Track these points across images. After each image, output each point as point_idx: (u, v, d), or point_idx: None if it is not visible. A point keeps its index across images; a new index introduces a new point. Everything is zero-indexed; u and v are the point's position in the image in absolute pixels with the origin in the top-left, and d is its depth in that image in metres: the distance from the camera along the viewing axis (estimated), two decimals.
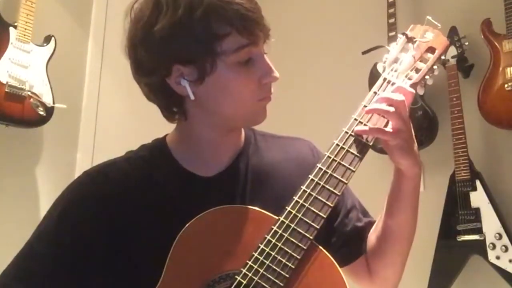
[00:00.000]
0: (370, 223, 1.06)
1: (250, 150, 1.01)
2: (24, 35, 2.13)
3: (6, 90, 2.05)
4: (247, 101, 0.91)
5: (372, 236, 1.05)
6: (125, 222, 0.90)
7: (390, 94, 0.91)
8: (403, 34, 1.02)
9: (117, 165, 0.97)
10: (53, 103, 2.19)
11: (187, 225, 0.85)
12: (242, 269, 0.82)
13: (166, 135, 1.02)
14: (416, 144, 0.94)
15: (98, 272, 0.89)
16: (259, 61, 0.90)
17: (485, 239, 2.03)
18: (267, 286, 0.81)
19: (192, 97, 0.90)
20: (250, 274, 0.82)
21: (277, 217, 0.86)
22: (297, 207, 0.86)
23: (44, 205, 2.25)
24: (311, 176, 0.88)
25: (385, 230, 1.01)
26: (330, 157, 0.89)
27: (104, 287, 0.90)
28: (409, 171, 0.94)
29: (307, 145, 1.09)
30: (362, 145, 0.91)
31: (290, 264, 0.82)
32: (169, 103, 0.95)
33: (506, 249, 1.98)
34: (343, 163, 0.89)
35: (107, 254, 0.89)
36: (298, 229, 0.84)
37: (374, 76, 2.34)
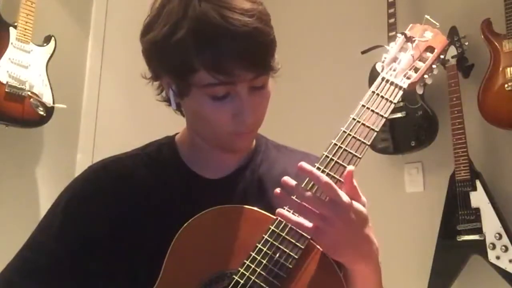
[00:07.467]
0: None
1: (259, 158, 1.00)
2: (24, 35, 2.12)
3: (6, 90, 2.04)
4: (217, 129, 0.88)
5: None
6: (127, 219, 0.90)
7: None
8: (402, 33, 1.02)
9: (122, 161, 0.97)
10: (53, 103, 2.18)
11: (185, 224, 0.85)
12: (239, 268, 0.82)
13: (177, 133, 1.02)
14: (369, 243, 0.84)
15: (99, 268, 0.89)
16: (236, 101, 0.85)
17: (485, 239, 2.02)
18: (264, 285, 0.80)
19: (174, 107, 0.91)
20: (247, 274, 0.81)
21: (274, 217, 0.85)
22: None
23: (44, 205, 2.25)
24: None
25: None
26: (328, 157, 0.89)
27: (104, 283, 0.89)
28: (351, 267, 0.85)
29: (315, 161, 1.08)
30: (360, 144, 0.90)
31: (287, 264, 0.82)
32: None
33: (506, 249, 1.97)
34: (340, 162, 0.88)
35: (108, 251, 0.89)
36: (296, 229, 0.84)
37: (374, 76, 2.34)
